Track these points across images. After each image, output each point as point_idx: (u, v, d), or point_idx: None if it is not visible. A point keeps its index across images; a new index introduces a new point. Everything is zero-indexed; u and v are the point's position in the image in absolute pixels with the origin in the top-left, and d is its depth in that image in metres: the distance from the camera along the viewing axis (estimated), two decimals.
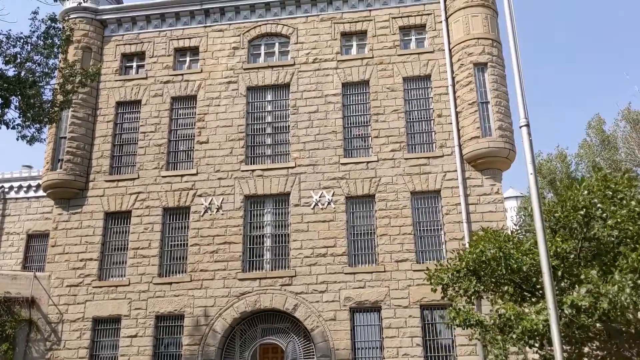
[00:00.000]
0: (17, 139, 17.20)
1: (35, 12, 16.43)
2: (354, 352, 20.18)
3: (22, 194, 27.92)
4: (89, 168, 23.81)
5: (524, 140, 9.72)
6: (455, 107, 22.10)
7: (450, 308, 13.82)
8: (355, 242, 21.59)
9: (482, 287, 13.27)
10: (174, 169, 23.54)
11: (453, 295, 13.94)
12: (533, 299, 13.16)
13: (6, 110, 16.05)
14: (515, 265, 12.63)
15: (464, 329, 13.83)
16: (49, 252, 23.10)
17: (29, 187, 27.93)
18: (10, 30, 16.37)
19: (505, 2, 10.58)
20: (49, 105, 17.27)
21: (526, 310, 12.51)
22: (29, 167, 29.22)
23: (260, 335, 21.37)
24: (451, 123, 21.98)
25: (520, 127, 9.87)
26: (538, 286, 13.07)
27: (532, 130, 9.69)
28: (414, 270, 20.56)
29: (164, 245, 22.61)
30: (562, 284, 12.21)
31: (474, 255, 13.09)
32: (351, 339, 20.25)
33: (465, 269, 13.44)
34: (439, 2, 23.45)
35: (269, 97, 23.98)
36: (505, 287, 13.30)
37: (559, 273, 12.19)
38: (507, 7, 10.52)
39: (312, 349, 20.67)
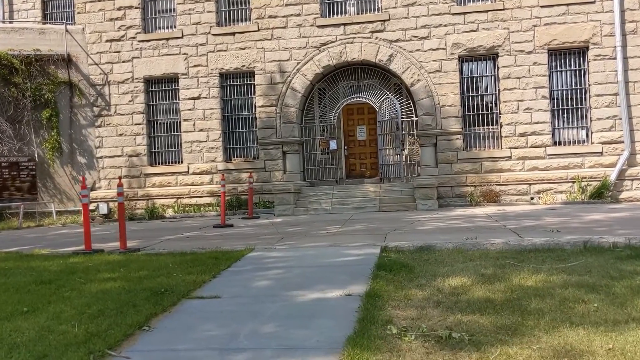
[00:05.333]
0: None
1: None
2: (463, 109, 16.96)
3: None
4: None
5: None
6: None
7: None
8: None
9: None
10: None
11: None
12: None
13: None
14: None
15: None
16: (77, 0, 18.70)
17: None
18: None
19: None
20: None
21: None
22: None
23: (344, 94, 18.01)
24: None
25: None
26: None
27: None
28: (542, 7, 16.35)
29: None
30: None
31: None
32: (460, 93, 16.87)
33: None
34: None
35: None
36: None
37: None
38: None
39: (412, 107, 17.43)
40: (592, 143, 16.27)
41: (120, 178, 9.90)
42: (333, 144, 17.94)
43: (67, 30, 18.28)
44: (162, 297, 5.98)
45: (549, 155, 16.34)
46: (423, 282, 6.14)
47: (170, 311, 5.57)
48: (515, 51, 16.49)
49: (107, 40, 18.34)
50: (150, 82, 18.41)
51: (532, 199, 16.12)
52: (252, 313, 5.37)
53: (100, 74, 18.36)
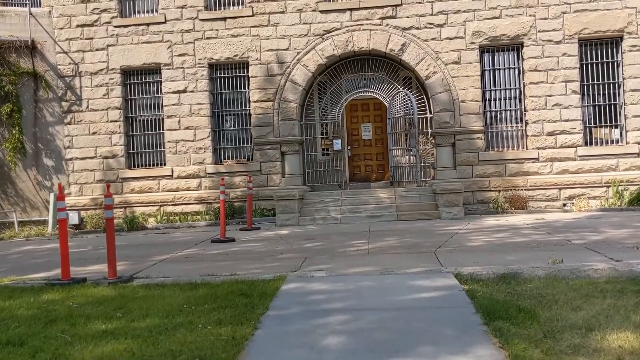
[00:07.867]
0: None
1: None
2: (484, 104, 15.23)
3: None
4: None
5: None
6: None
7: None
8: None
9: None
10: None
11: None
12: None
13: None
14: None
15: None
16: None
17: None
18: None
19: None
20: None
21: None
22: None
23: (347, 88, 16.09)
24: None
25: None
26: None
27: None
28: None
29: None
30: None
31: None
32: (481, 87, 15.13)
33: None
34: None
35: None
36: None
37: None
38: None
39: (425, 102, 15.62)
40: (627, 143, 14.72)
41: (108, 186, 7.76)
42: (337, 144, 16.01)
43: (31, 14, 15.87)
44: None
45: (580, 156, 14.74)
46: (577, 342, 4.24)
47: None
48: (543, 41, 14.84)
49: (77, 26, 16.00)
50: (128, 74, 16.14)
51: (564, 205, 14.48)
52: None
53: (69, 63, 16.00)
